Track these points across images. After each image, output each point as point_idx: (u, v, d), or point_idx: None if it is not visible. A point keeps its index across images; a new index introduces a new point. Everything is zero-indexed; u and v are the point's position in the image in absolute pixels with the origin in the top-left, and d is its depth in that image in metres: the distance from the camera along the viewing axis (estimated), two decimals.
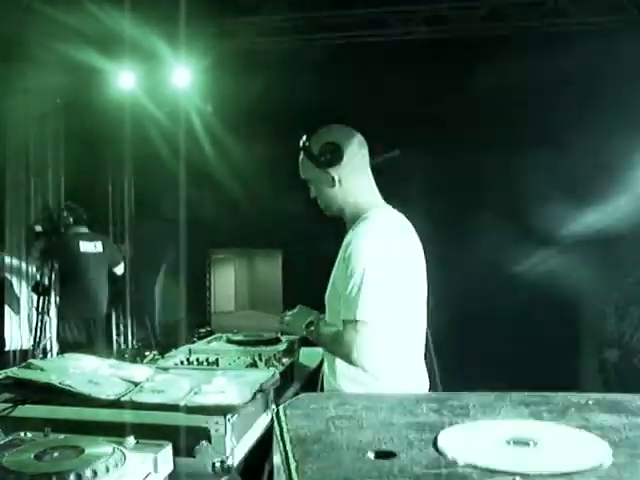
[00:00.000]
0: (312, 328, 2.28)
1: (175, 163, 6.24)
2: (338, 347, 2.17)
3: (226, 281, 8.65)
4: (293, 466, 0.69)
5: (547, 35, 5.74)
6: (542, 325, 5.49)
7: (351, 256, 2.15)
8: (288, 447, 0.75)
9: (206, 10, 5.79)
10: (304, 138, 2.30)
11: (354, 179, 2.30)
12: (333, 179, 2.27)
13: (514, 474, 0.66)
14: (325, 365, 2.40)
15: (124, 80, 6.06)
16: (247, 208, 6.46)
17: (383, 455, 0.71)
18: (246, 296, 8.79)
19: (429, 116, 5.98)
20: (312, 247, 6.18)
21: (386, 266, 2.14)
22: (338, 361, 2.25)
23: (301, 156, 2.33)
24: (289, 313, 2.41)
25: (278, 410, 0.90)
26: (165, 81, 6.19)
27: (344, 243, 2.26)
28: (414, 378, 2.35)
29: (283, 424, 0.83)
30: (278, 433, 0.81)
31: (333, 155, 2.25)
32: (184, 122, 6.29)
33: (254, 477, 1.85)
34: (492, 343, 5.33)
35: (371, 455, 0.72)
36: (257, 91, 5.88)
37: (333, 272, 2.29)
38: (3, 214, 5.83)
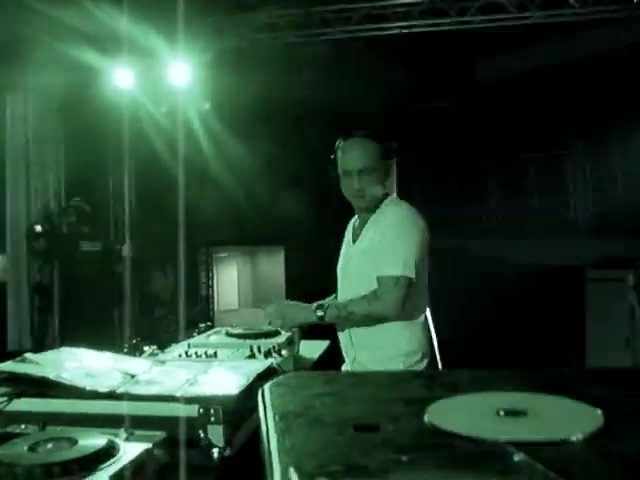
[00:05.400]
0: (324, 309, 2.44)
1: (175, 162, 6.22)
2: (376, 304, 2.38)
3: (229, 279, 8.64)
4: (273, 439, 0.67)
5: (547, 25, 5.69)
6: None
7: (389, 222, 2.46)
8: (270, 422, 0.73)
9: (204, 6, 5.77)
10: (373, 131, 2.59)
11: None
12: (390, 170, 2.61)
13: (505, 443, 0.63)
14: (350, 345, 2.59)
15: (123, 78, 6.04)
16: (248, 206, 6.45)
17: (366, 428, 0.69)
18: (249, 294, 8.78)
19: (431, 112, 5.95)
20: (313, 243, 6.16)
21: (420, 233, 2.47)
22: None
23: (370, 145, 2.57)
24: (274, 310, 2.58)
25: (263, 388, 0.87)
26: (164, 79, 6.17)
27: (373, 224, 2.55)
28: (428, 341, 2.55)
29: (267, 401, 0.81)
30: (262, 410, 0.79)
31: (396, 150, 2.61)
32: (183, 120, 6.27)
33: (251, 468, 1.82)
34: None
35: (354, 428, 0.69)
36: (256, 88, 5.87)
37: (364, 246, 2.55)
38: (3, 214, 5.82)
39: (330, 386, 0.87)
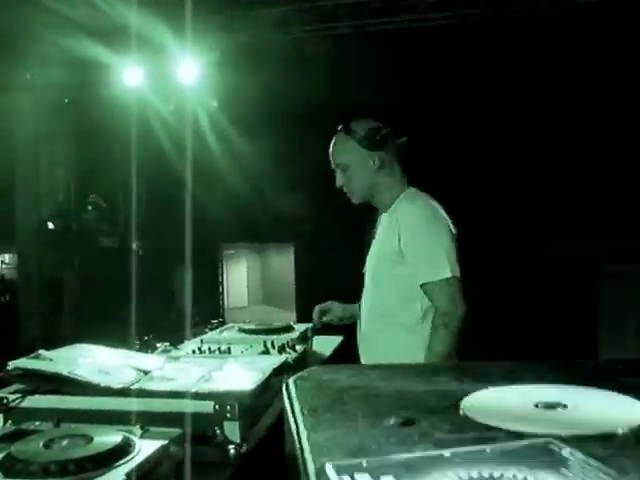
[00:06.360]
0: None
1: (184, 159, 6.20)
2: (440, 320, 2.23)
3: (239, 276, 8.63)
4: (304, 435, 0.64)
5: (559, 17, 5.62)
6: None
7: (410, 225, 2.33)
8: (298, 417, 0.70)
9: (212, 3, 5.74)
10: (347, 124, 2.46)
11: (392, 163, 2.47)
12: (374, 161, 2.42)
13: (546, 436, 0.60)
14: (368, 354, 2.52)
15: (131, 76, 6.03)
16: (257, 203, 6.42)
17: (401, 422, 0.66)
18: (259, 291, 8.77)
19: (440, 107, 5.91)
20: (323, 241, 6.14)
21: (446, 227, 2.36)
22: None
23: (341, 140, 2.47)
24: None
25: (288, 382, 0.84)
26: (172, 77, 6.15)
27: (385, 222, 2.44)
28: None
29: (293, 395, 0.78)
30: (288, 404, 0.76)
31: (381, 138, 2.43)
32: (192, 118, 6.24)
33: (268, 464, 1.80)
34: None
35: (388, 422, 0.66)
36: (264, 85, 5.84)
37: (377, 247, 2.47)
38: (13, 212, 5.82)
39: (357, 379, 0.85)
